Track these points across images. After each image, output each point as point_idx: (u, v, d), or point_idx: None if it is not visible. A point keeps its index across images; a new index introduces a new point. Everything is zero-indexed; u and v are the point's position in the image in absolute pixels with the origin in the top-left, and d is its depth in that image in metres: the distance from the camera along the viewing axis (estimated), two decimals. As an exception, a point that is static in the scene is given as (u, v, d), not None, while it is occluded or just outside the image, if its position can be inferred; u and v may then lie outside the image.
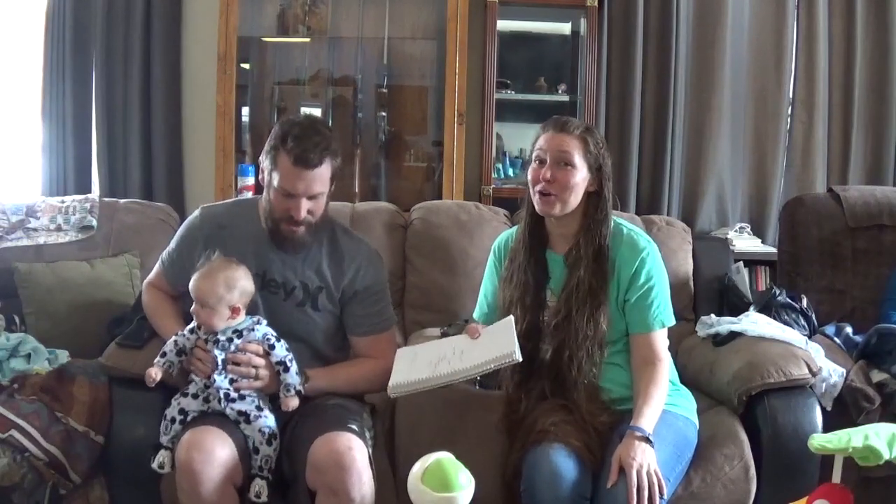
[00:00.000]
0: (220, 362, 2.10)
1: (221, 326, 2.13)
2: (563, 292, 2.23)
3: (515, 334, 2.14)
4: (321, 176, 2.15)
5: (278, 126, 2.20)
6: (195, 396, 2.13)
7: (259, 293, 2.23)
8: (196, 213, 2.37)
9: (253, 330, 2.15)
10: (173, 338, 2.17)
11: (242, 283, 2.15)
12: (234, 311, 2.13)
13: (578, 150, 2.21)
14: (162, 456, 2.08)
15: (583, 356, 2.18)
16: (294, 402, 2.12)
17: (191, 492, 1.97)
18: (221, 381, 2.10)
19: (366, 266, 2.30)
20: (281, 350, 2.15)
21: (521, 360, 2.09)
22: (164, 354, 2.15)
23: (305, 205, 2.15)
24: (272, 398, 2.17)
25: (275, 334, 2.17)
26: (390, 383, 2.13)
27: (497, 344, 2.14)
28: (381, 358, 2.32)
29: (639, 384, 2.17)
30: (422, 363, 2.19)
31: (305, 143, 2.12)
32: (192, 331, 2.16)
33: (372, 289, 2.32)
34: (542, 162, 2.23)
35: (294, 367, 2.14)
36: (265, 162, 2.20)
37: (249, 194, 3.24)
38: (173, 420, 2.11)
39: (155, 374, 2.11)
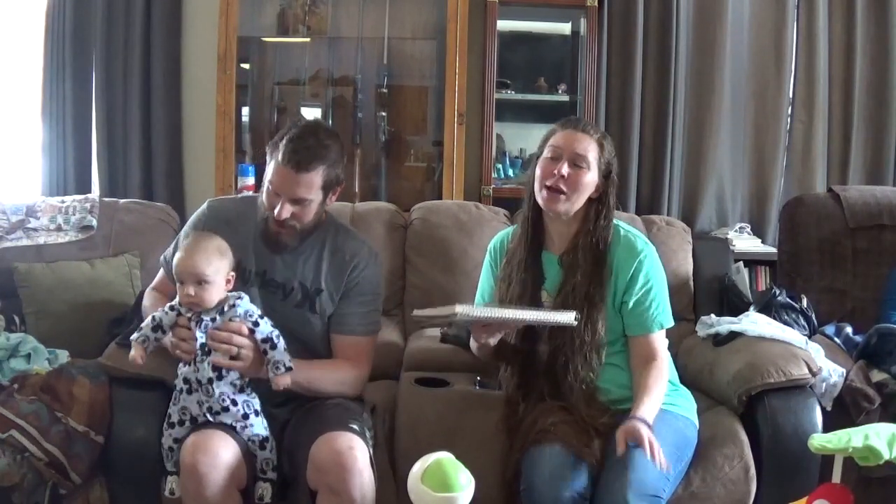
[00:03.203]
0: (199, 346, 2.04)
1: (217, 301, 2.06)
2: (559, 297, 2.22)
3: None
4: (308, 182, 2.11)
5: (289, 123, 2.20)
6: (181, 423, 2.09)
7: (258, 292, 2.22)
8: (203, 206, 2.34)
9: (234, 306, 2.08)
10: (152, 314, 2.10)
11: (229, 250, 2.11)
12: (229, 282, 2.10)
13: (594, 152, 2.21)
14: (171, 482, 2.08)
15: (579, 362, 2.17)
16: (285, 380, 2.06)
17: (196, 494, 1.97)
18: (205, 368, 2.04)
19: (365, 265, 2.28)
20: (266, 326, 2.09)
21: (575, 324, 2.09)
22: (139, 330, 2.08)
23: (288, 207, 2.12)
24: (262, 399, 2.12)
25: (258, 311, 2.11)
26: (456, 309, 2.00)
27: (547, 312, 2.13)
28: (358, 364, 2.27)
29: (639, 380, 2.17)
30: (468, 307, 2.11)
31: (298, 145, 2.10)
32: (171, 307, 2.09)
33: (366, 289, 2.28)
34: (555, 158, 2.21)
35: (282, 344, 2.08)
36: (267, 154, 2.19)
37: (249, 194, 3.22)
38: (171, 449, 2.09)
39: (140, 356, 2.05)
